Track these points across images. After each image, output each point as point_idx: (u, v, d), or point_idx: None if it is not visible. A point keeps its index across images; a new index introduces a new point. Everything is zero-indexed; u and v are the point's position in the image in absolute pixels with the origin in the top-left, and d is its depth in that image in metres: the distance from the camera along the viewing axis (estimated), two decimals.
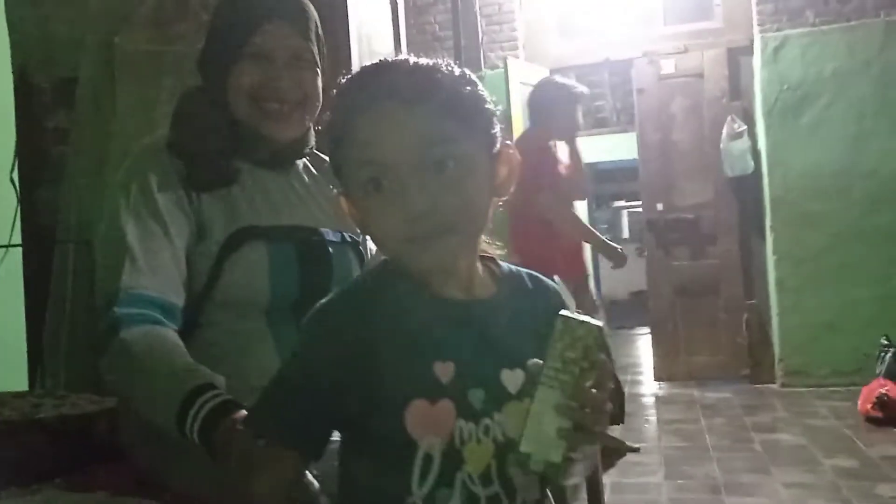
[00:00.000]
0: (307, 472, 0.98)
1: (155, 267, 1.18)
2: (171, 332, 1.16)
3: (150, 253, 1.18)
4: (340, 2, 1.95)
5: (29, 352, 1.97)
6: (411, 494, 0.77)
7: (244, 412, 0.98)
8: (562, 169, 3.48)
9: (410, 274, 0.83)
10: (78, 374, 1.87)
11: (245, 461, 0.83)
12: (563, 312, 0.76)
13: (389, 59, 0.84)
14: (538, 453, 0.74)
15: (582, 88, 3.69)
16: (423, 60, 0.83)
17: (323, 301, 0.85)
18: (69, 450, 1.34)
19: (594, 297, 3.77)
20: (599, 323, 0.76)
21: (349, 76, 0.84)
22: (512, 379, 0.81)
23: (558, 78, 3.99)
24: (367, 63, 0.86)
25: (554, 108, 3.50)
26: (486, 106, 0.85)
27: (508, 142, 0.87)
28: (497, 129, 0.85)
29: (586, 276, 3.69)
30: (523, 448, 0.74)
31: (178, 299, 1.19)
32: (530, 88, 4.88)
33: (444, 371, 0.79)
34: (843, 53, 4.58)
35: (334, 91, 0.85)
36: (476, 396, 0.79)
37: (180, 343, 1.15)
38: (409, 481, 0.77)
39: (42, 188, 2.07)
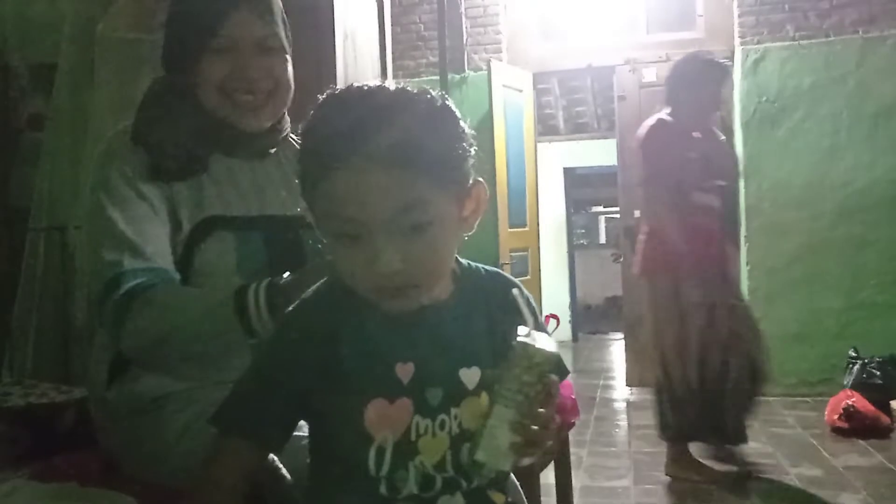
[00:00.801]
0: (280, 466, 1.00)
1: (153, 249, 1.18)
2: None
3: (145, 237, 1.18)
4: (326, 1, 1.94)
5: None
6: (369, 479, 0.83)
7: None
8: (695, 154, 3.15)
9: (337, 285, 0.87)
10: (46, 362, 1.85)
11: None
12: (522, 338, 0.80)
13: (367, 97, 0.80)
14: (491, 463, 0.82)
15: (726, 62, 3.39)
16: (402, 98, 0.80)
17: (299, 300, 0.89)
18: (37, 439, 1.32)
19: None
20: (553, 350, 0.81)
21: (327, 105, 0.81)
22: (469, 376, 0.86)
23: (702, 53, 3.63)
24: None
25: (699, 86, 3.19)
26: (462, 145, 0.83)
27: (479, 179, 0.86)
28: (469, 164, 0.84)
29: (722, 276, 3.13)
30: (478, 458, 0.81)
31: (176, 276, 1.20)
32: (511, 91, 4.95)
33: (405, 372, 0.84)
34: (820, 68, 4.66)
35: (312, 108, 0.82)
36: (434, 394, 0.84)
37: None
38: (367, 469, 0.83)
39: (15, 174, 2.05)
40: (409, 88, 0.83)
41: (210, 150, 1.29)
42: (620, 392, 5.12)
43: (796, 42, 4.70)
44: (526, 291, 0.92)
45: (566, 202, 8.17)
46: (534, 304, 0.90)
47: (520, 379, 0.80)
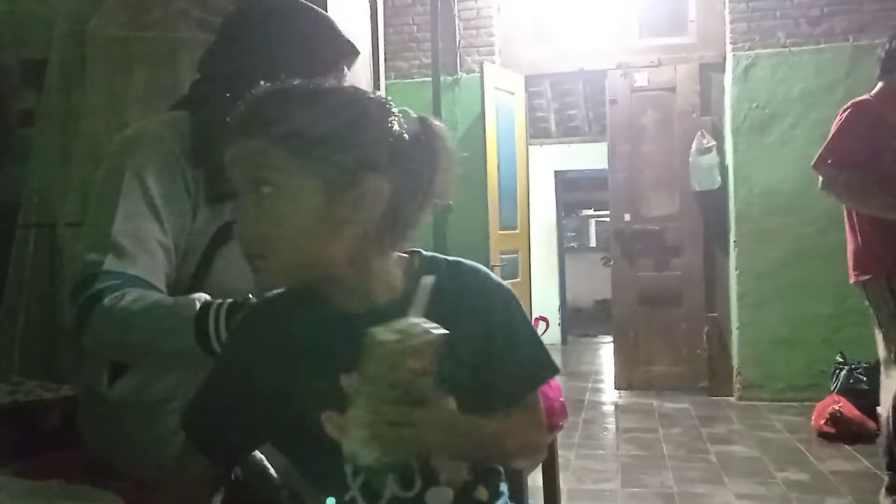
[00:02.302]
0: (267, 466, 1.00)
1: (141, 254, 1.16)
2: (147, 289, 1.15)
3: (136, 241, 1.16)
4: (321, 1, 1.94)
5: None
6: (350, 488, 0.84)
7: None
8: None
9: (309, 289, 0.87)
10: (32, 359, 1.84)
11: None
12: (371, 330, 0.77)
13: (278, 86, 0.86)
14: (353, 456, 0.77)
15: None
16: (310, 88, 0.85)
17: (250, 308, 0.95)
18: (21, 437, 1.31)
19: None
20: (392, 338, 0.75)
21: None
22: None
23: None
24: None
25: None
26: (351, 135, 0.82)
27: (370, 171, 0.83)
28: (361, 159, 0.82)
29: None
30: (345, 450, 0.77)
31: (162, 287, 1.17)
32: (504, 94, 4.95)
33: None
34: (811, 75, 4.68)
35: None
36: None
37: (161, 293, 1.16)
38: (344, 476, 0.84)
39: (5, 169, 2.03)
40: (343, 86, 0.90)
41: None
42: (609, 395, 5.14)
43: (787, 49, 4.73)
44: (493, 279, 0.92)
45: (557, 205, 8.18)
46: (503, 291, 0.91)
47: (366, 372, 0.76)
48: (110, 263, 1.13)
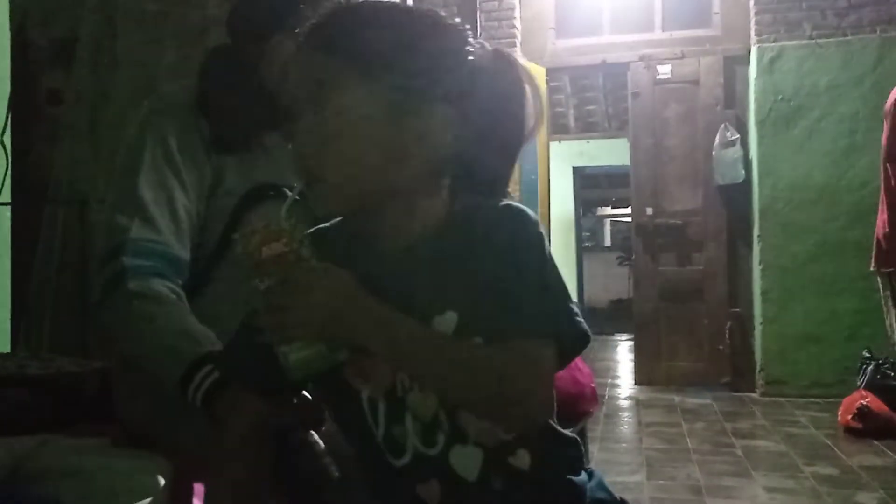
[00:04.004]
0: (328, 464, 0.98)
1: (167, 219, 1.16)
2: (178, 291, 1.14)
3: (161, 206, 1.15)
4: None
5: (13, 311, 1.92)
6: (373, 435, 0.81)
7: None
8: None
9: (346, 222, 0.83)
10: (62, 335, 1.83)
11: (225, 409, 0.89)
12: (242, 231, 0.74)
13: (353, 2, 0.81)
14: (283, 359, 0.75)
15: None
16: (387, 7, 0.80)
17: (310, 231, 0.86)
18: (59, 407, 1.30)
19: None
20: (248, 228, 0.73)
21: None
22: (444, 323, 0.77)
23: None
24: None
25: None
26: (406, 58, 0.77)
27: (439, 101, 0.78)
28: (432, 87, 0.77)
29: None
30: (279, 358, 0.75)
31: (186, 253, 1.17)
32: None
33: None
34: (837, 67, 4.62)
35: None
36: None
37: (186, 304, 1.13)
38: (367, 425, 0.81)
39: (34, 147, 2.02)
40: (420, 7, 0.82)
41: (268, 128, 1.25)
42: (628, 390, 5.09)
43: (813, 41, 4.66)
44: (529, 221, 0.80)
45: (575, 202, 8.14)
46: (540, 240, 0.79)
47: (250, 267, 0.73)
48: (137, 230, 1.12)
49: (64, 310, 1.84)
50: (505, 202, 0.81)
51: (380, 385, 0.80)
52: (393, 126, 0.77)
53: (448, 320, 0.77)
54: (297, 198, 0.78)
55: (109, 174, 1.87)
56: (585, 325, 0.79)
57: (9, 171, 1.98)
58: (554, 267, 0.80)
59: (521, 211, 0.80)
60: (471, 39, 0.81)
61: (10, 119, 2.02)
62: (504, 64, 0.82)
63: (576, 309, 0.80)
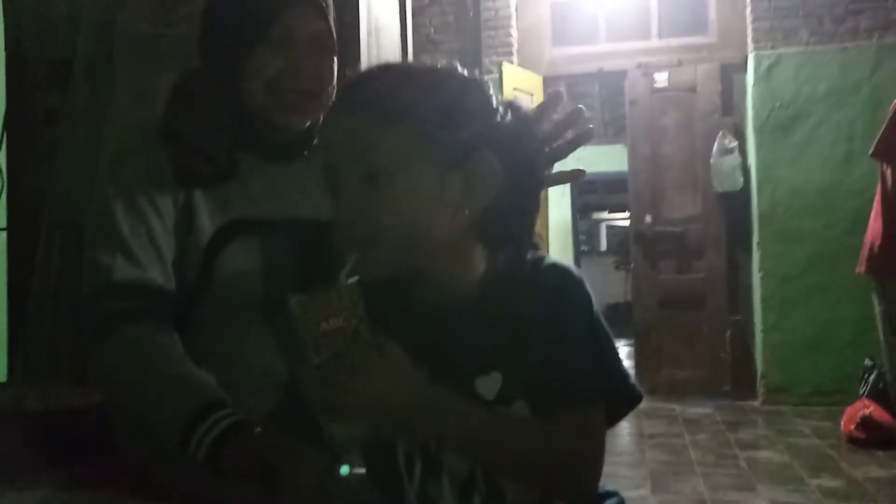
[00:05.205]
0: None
1: (149, 254, 1.11)
2: (172, 333, 1.10)
3: (141, 237, 1.11)
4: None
5: (10, 338, 1.89)
6: (405, 491, 0.79)
7: (258, 430, 0.94)
8: None
9: (396, 279, 0.81)
10: (60, 362, 1.79)
11: (275, 463, 0.84)
12: (298, 296, 0.71)
13: (382, 64, 0.84)
14: (331, 437, 0.75)
15: None
16: (415, 67, 0.83)
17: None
18: (56, 445, 1.26)
19: None
20: (304, 297, 0.70)
21: None
22: (488, 385, 0.77)
23: None
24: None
25: None
26: (444, 114, 0.77)
27: (481, 152, 0.77)
28: (472, 138, 0.77)
29: None
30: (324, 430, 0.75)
31: (172, 283, 1.13)
32: (522, 95, 4.89)
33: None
34: (835, 74, 4.62)
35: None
36: None
37: (181, 347, 1.09)
38: (402, 479, 0.79)
39: (30, 171, 1.99)
40: (440, 66, 0.82)
41: (243, 152, 1.22)
42: None
43: (810, 48, 4.66)
44: (575, 280, 0.80)
45: (572, 208, 8.13)
46: (588, 300, 0.79)
47: (305, 339, 0.70)
48: (121, 269, 1.09)
49: (62, 335, 1.80)
50: (550, 260, 0.82)
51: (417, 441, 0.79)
52: (442, 183, 0.77)
53: (493, 381, 0.77)
54: (353, 269, 0.75)
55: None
56: (637, 386, 0.81)
57: (4, 194, 1.95)
58: (604, 328, 0.80)
59: (568, 271, 0.81)
60: (491, 92, 0.81)
61: (5, 140, 1.99)
62: (521, 113, 0.82)
63: (626, 369, 0.81)
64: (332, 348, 0.69)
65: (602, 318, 0.81)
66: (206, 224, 1.16)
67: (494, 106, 0.80)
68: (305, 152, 1.29)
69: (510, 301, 0.79)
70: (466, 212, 0.77)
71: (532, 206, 0.83)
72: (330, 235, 1.22)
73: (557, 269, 0.81)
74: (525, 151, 0.81)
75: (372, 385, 0.70)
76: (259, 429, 0.93)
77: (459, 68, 0.81)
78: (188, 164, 1.16)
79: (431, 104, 0.76)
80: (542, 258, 0.83)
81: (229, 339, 1.17)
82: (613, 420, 0.80)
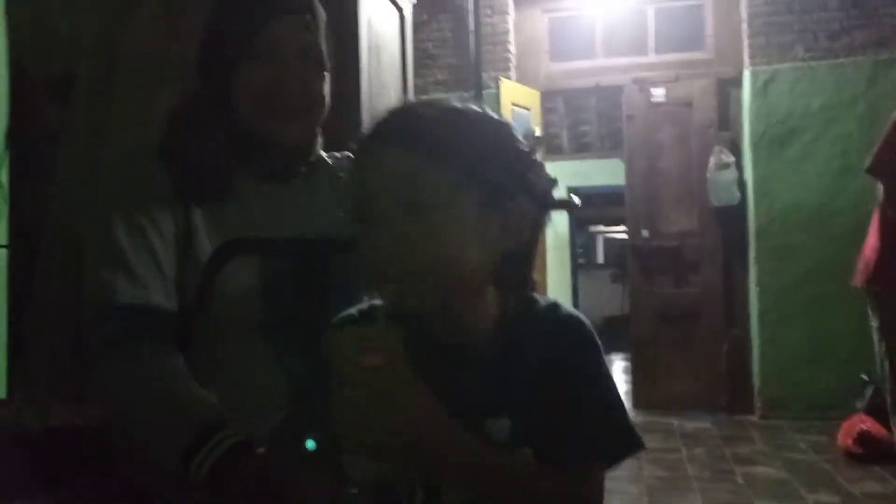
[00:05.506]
0: None
1: (151, 272, 1.12)
2: (175, 352, 1.11)
3: (142, 253, 1.12)
4: (353, 14, 1.92)
5: (9, 355, 1.89)
6: None
7: (260, 450, 0.95)
8: None
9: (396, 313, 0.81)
10: (59, 380, 1.79)
11: (278, 484, 0.84)
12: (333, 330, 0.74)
13: (413, 101, 0.87)
14: (350, 469, 0.76)
15: None
16: (446, 105, 0.82)
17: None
18: (56, 463, 1.27)
19: None
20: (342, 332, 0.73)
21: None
22: (498, 427, 0.79)
23: None
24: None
25: None
26: (491, 156, 0.79)
27: (518, 192, 0.81)
28: (512, 181, 0.80)
29: None
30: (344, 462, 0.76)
31: (174, 301, 1.13)
32: (520, 110, 4.92)
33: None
34: (830, 89, 4.65)
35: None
36: None
37: (184, 367, 1.09)
38: None
39: (32, 187, 1.99)
40: (469, 106, 0.83)
41: (239, 169, 1.22)
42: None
43: (806, 63, 4.69)
44: (585, 331, 0.84)
45: (570, 221, 8.15)
46: (599, 353, 0.84)
47: (342, 372, 0.69)
48: (123, 289, 1.09)
49: (61, 352, 1.80)
50: (566, 310, 0.85)
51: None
52: (483, 222, 0.78)
53: (502, 426, 0.79)
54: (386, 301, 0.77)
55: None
56: (640, 437, 0.84)
57: (6, 212, 1.95)
58: (611, 379, 0.84)
59: (578, 320, 0.85)
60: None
61: (7, 158, 2.00)
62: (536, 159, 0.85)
63: (630, 421, 0.84)
64: (368, 384, 0.68)
65: (608, 368, 0.85)
66: (206, 243, 1.16)
67: (526, 150, 0.83)
68: (302, 170, 1.30)
69: (525, 348, 0.82)
70: (498, 254, 0.80)
71: (537, 251, 0.87)
72: (327, 255, 1.24)
73: (574, 321, 0.85)
74: (547, 197, 0.84)
75: (405, 424, 0.69)
76: (262, 450, 0.93)
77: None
78: (186, 182, 1.17)
79: (480, 144, 0.78)
80: (556, 306, 0.86)
81: (228, 358, 1.17)
82: (614, 464, 0.84)
